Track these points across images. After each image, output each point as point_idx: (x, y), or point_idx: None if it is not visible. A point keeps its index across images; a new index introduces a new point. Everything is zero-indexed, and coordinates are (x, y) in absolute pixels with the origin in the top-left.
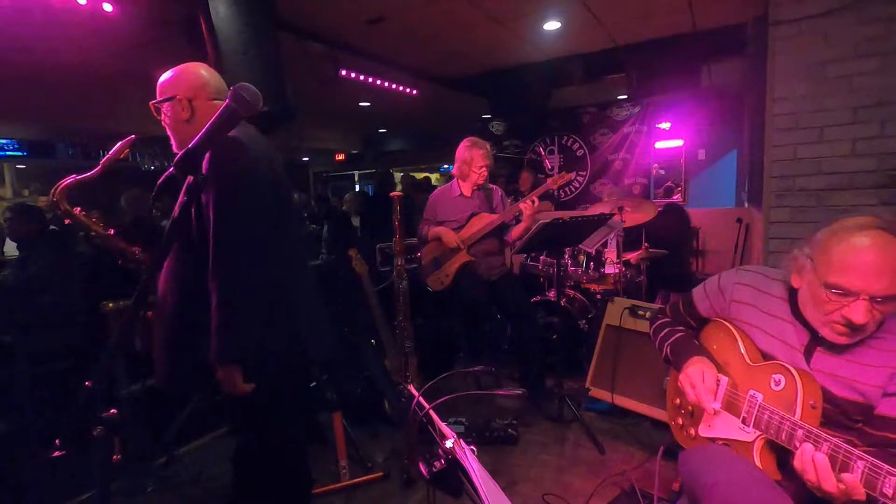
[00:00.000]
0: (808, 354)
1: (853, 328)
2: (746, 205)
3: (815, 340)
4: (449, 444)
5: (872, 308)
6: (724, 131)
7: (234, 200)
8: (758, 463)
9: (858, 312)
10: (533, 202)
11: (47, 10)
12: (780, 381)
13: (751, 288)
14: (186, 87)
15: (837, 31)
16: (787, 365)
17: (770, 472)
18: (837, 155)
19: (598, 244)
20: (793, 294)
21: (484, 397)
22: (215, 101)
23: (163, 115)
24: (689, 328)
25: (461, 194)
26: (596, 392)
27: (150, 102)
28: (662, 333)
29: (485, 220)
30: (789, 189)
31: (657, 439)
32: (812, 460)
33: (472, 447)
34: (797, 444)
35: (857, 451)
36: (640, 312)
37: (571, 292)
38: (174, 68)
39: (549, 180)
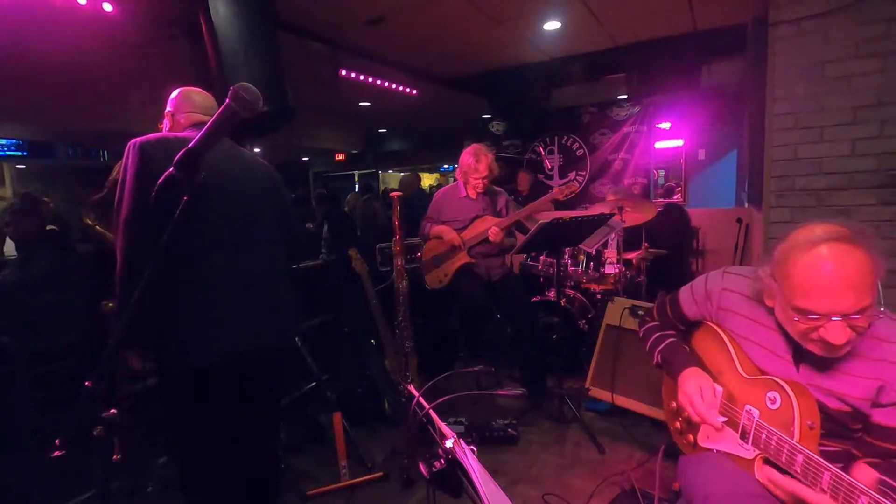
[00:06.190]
0: (796, 366)
1: (834, 348)
2: (746, 205)
3: (800, 353)
4: (449, 444)
5: (848, 325)
6: (724, 131)
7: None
8: (759, 479)
9: (834, 334)
10: (499, 230)
11: (47, 11)
12: (775, 398)
13: (738, 294)
14: (173, 103)
15: (837, 31)
16: (781, 382)
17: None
18: (837, 155)
19: (598, 244)
20: None
21: (484, 397)
22: (193, 114)
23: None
24: (677, 331)
25: (467, 196)
26: (596, 392)
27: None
28: (652, 339)
29: (488, 223)
30: (789, 189)
31: (657, 439)
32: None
33: (472, 447)
34: (797, 470)
35: (859, 486)
36: (640, 312)
37: (571, 292)
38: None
39: (556, 189)
